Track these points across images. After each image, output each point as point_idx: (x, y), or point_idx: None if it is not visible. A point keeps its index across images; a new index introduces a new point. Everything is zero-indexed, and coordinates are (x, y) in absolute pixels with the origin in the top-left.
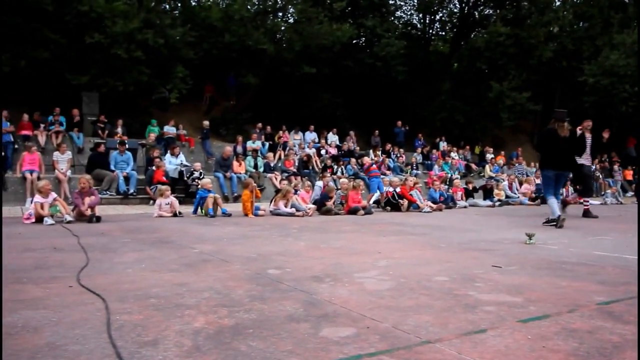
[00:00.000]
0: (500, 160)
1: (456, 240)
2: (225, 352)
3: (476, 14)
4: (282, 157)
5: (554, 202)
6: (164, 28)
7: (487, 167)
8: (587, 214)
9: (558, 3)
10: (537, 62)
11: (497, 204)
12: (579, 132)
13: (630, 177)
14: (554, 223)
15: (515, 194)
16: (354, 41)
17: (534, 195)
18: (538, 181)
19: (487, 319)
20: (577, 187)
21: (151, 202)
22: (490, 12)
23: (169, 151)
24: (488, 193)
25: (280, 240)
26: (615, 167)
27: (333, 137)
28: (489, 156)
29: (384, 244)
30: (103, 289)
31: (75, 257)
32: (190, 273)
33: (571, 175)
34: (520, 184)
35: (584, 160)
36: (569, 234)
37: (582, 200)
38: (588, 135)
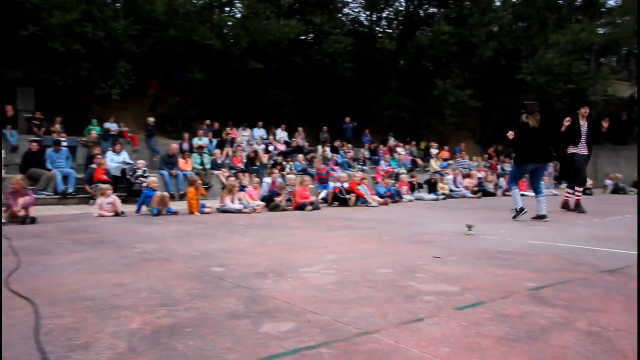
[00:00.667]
0: (445, 155)
1: (401, 233)
2: (162, 352)
3: (421, 12)
4: (230, 154)
5: (517, 194)
6: (105, 21)
7: (432, 162)
8: (578, 206)
9: (498, 3)
10: (478, 60)
11: (441, 197)
12: (566, 123)
13: None
14: (522, 214)
15: (458, 188)
16: (302, 38)
17: (476, 188)
18: (480, 175)
19: (426, 308)
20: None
21: (92, 201)
22: (435, 11)
23: (110, 149)
24: (433, 187)
25: (226, 238)
26: None
27: (282, 134)
28: (434, 151)
29: (330, 239)
30: (34, 293)
31: (5, 260)
32: (129, 273)
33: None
34: (464, 178)
35: (579, 149)
36: (507, 225)
37: (573, 191)
38: (584, 123)
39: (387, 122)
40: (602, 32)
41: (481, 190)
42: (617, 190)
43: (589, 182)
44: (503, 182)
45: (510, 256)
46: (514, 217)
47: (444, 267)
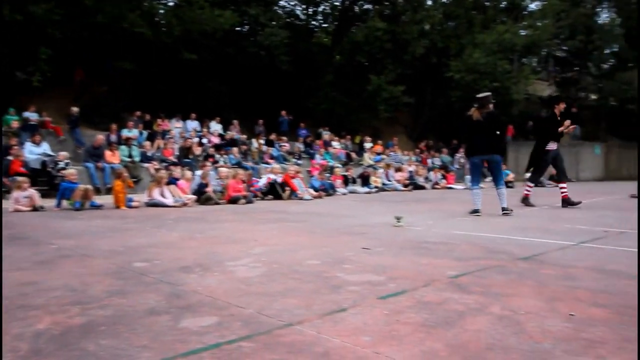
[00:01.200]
0: (378, 149)
1: (333, 225)
2: (70, 353)
3: (356, 8)
4: (161, 146)
5: (477, 194)
6: (24, 3)
7: (366, 155)
8: (566, 201)
9: (430, 2)
10: (410, 57)
11: (374, 190)
12: (544, 118)
13: None
14: (477, 214)
15: (390, 181)
16: (237, 29)
17: (407, 182)
18: (410, 169)
19: (350, 298)
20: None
21: (7, 195)
22: (369, 7)
23: (29, 139)
24: (366, 180)
25: (153, 232)
26: None
27: (216, 126)
28: (367, 145)
29: (261, 231)
30: None
31: None
32: (43, 271)
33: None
34: (395, 171)
35: (551, 144)
36: (434, 216)
37: (560, 186)
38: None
39: (322, 116)
40: (523, 34)
41: (412, 184)
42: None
43: (511, 176)
44: (433, 175)
45: (435, 246)
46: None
47: (372, 257)
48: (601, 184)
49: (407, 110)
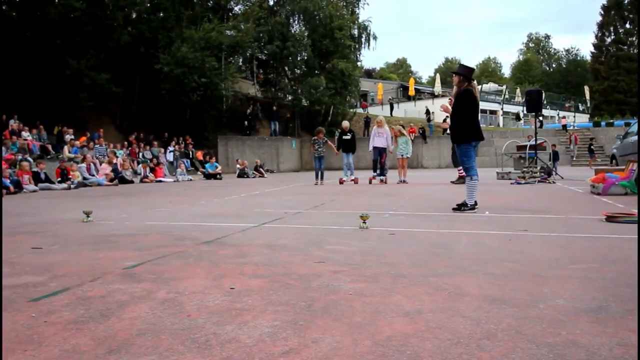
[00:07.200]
0: (83, 141)
1: (6, 225)
2: None
3: None
4: None
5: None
6: None
7: (66, 148)
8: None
9: None
10: (115, 44)
11: (73, 186)
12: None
13: (201, 157)
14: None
15: (93, 175)
16: None
17: (113, 176)
18: (117, 162)
19: None
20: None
21: None
22: None
23: None
24: (64, 175)
25: None
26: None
27: None
28: (69, 137)
29: None
30: None
31: None
32: None
33: None
34: (100, 164)
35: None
36: (132, 209)
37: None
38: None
39: (6, 101)
40: (229, 34)
41: (118, 178)
42: (242, 174)
43: (219, 168)
44: (142, 169)
45: (120, 238)
46: (461, 209)
47: (40, 257)
48: (296, 173)
49: (114, 100)
